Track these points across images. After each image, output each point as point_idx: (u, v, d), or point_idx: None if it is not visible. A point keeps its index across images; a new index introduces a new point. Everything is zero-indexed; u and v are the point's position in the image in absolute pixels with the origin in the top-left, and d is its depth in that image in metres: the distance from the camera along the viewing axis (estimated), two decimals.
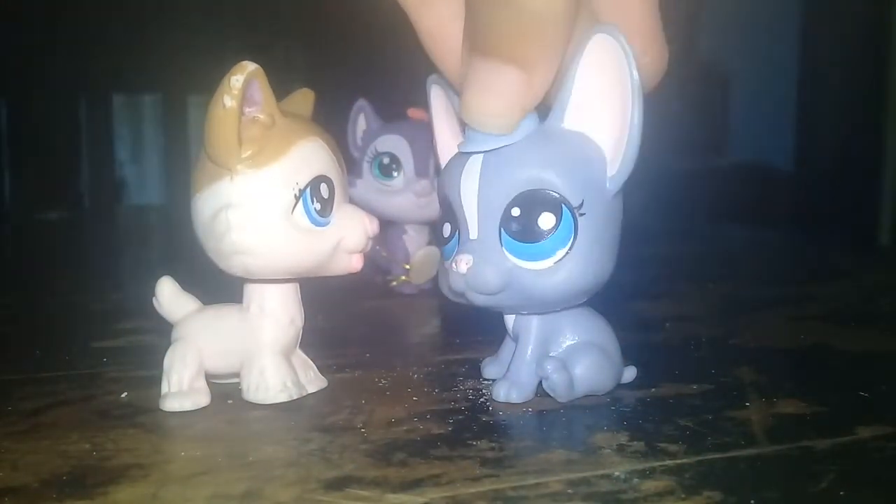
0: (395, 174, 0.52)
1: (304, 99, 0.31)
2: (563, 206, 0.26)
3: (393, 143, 0.52)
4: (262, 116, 0.27)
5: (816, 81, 0.97)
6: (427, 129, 0.53)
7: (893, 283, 0.62)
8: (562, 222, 0.26)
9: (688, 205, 1.11)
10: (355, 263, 0.29)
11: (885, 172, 0.86)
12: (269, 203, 0.27)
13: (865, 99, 0.88)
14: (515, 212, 0.27)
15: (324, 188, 0.28)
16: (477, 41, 0.25)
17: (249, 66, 0.26)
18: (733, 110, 1.14)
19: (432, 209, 0.52)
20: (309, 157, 0.28)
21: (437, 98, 0.32)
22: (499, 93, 0.25)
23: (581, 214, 0.26)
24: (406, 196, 0.51)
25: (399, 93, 0.55)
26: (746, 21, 1.10)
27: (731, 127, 1.15)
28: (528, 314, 0.29)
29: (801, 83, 1.00)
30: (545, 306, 0.28)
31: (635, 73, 0.25)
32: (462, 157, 0.28)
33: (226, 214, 0.27)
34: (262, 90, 0.26)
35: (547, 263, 0.27)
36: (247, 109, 0.26)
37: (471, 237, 0.28)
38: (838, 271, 0.67)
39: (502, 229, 0.27)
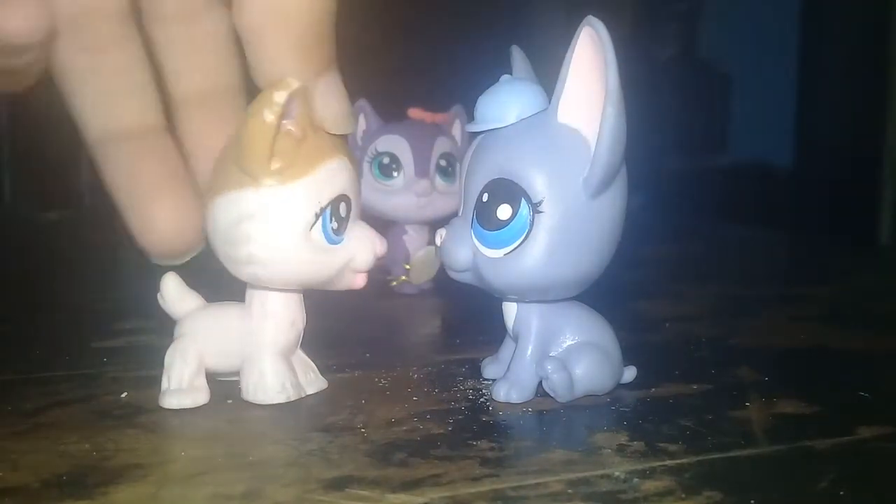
0: (395, 174, 0.52)
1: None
2: (522, 199, 0.27)
3: (393, 143, 0.52)
4: (294, 130, 0.26)
5: (816, 81, 0.97)
6: (427, 129, 0.53)
7: (893, 283, 0.62)
8: (517, 216, 0.27)
9: (687, 205, 1.11)
10: (359, 281, 0.29)
11: (885, 172, 0.85)
12: (290, 219, 0.26)
13: (865, 99, 0.88)
14: (485, 197, 0.28)
15: (343, 207, 0.28)
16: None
17: (293, 84, 0.25)
18: (733, 110, 1.14)
19: (432, 209, 0.52)
20: (333, 175, 0.27)
21: (519, 61, 0.31)
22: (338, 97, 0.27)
23: (539, 212, 0.26)
24: (406, 196, 0.51)
25: (399, 93, 0.55)
26: (746, 21, 1.10)
27: (732, 126, 1.15)
28: (511, 302, 0.30)
29: (801, 83, 0.99)
30: (500, 293, 0.29)
31: (613, 68, 0.25)
32: (475, 136, 0.29)
33: (247, 225, 0.26)
34: (300, 107, 0.26)
35: (499, 253, 0.27)
36: (282, 122, 0.26)
37: (459, 214, 0.29)
38: (838, 271, 0.67)
39: (475, 212, 0.28)
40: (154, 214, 0.27)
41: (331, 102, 0.27)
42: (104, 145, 0.28)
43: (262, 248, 0.27)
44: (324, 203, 0.27)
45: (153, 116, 0.28)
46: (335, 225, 0.27)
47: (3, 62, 0.24)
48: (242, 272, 0.28)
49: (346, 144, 0.29)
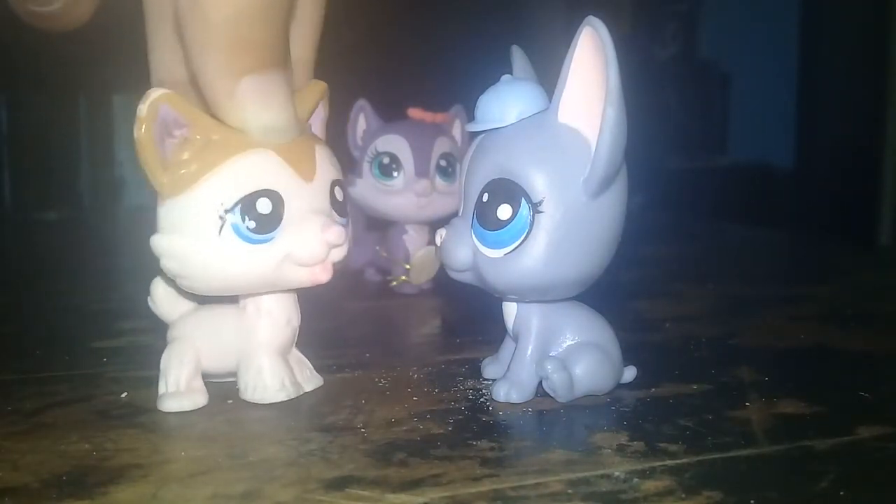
0: (395, 174, 0.52)
1: (313, 92, 0.30)
2: (522, 199, 0.27)
3: (393, 143, 0.52)
4: (198, 136, 0.26)
5: (816, 81, 0.97)
6: (427, 129, 0.53)
7: (893, 283, 0.62)
8: (517, 216, 0.27)
9: (688, 205, 1.11)
10: (318, 275, 0.28)
11: (885, 172, 0.85)
12: (191, 227, 0.26)
13: (865, 99, 0.88)
14: (485, 197, 0.27)
15: (263, 204, 0.26)
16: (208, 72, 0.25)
17: (153, 94, 0.25)
18: (733, 110, 1.14)
19: (432, 209, 0.52)
20: (243, 172, 0.26)
21: (519, 61, 0.31)
22: (271, 104, 0.26)
23: (539, 212, 0.26)
24: (406, 196, 0.51)
25: (399, 93, 0.55)
26: (746, 21, 1.10)
27: (731, 126, 1.15)
28: (511, 302, 0.29)
29: (801, 83, 0.99)
30: (500, 293, 0.29)
31: (613, 68, 0.25)
32: (476, 136, 0.29)
33: (155, 240, 0.26)
34: (181, 111, 0.25)
35: (499, 253, 0.27)
36: (176, 132, 0.26)
37: (459, 214, 0.29)
38: (838, 271, 0.67)
39: (475, 212, 0.28)
40: None
41: (257, 107, 0.26)
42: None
43: (174, 261, 0.26)
44: (228, 204, 0.26)
45: None
46: (252, 224, 0.26)
47: (37, 8, 0.26)
48: (180, 286, 0.27)
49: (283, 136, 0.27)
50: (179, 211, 0.26)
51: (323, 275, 0.28)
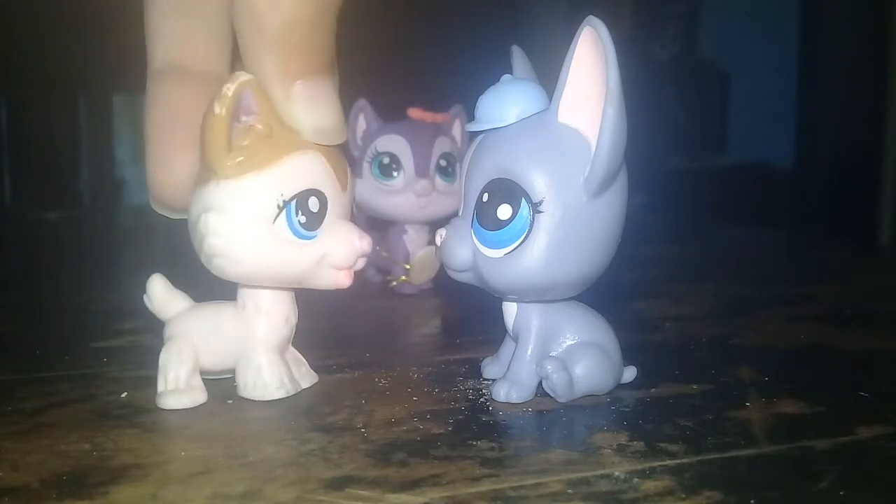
0: (395, 174, 0.52)
1: None
2: (522, 199, 0.27)
3: (393, 143, 0.52)
4: (260, 126, 0.26)
5: (816, 81, 0.97)
6: (427, 129, 0.53)
7: (893, 283, 0.62)
8: (517, 216, 0.27)
9: (688, 205, 1.11)
10: (343, 280, 0.29)
11: (885, 172, 0.86)
12: (247, 211, 0.26)
13: (865, 99, 0.88)
14: (485, 197, 0.28)
15: (313, 202, 0.27)
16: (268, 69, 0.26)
17: (241, 77, 0.26)
18: (733, 110, 1.14)
19: (432, 209, 0.52)
20: (301, 169, 0.27)
21: (519, 61, 0.31)
22: (324, 106, 0.27)
23: (539, 212, 0.26)
24: (406, 196, 0.52)
25: (399, 93, 0.55)
26: (746, 21, 1.10)
27: (731, 126, 1.15)
28: (511, 302, 0.30)
29: (801, 83, 0.99)
30: (500, 293, 0.29)
31: (613, 68, 0.25)
32: (476, 135, 0.29)
33: (206, 218, 0.27)
34: (257, 100, 0.26)
35: (499, 253, 0.27)
36: (243, 118, 0.26)
37: (459, 214, 0.29)
38: (838, 271, 0.67)
39: (475, 212, 0.28)
40: (174, 164, 0.27)
41: (309, 110, 0.27)
42: (162, 76, 0.29)
43: (220, 240, 0.27)
44: (287, 196, 0.27)
45: (216, 66, 0.29)
46: (303, 219, 0.27)
47: None
48: (212, 267, 0.28)
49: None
50: (237, 194, 0.26)
51: (347, 280, 0.29)
